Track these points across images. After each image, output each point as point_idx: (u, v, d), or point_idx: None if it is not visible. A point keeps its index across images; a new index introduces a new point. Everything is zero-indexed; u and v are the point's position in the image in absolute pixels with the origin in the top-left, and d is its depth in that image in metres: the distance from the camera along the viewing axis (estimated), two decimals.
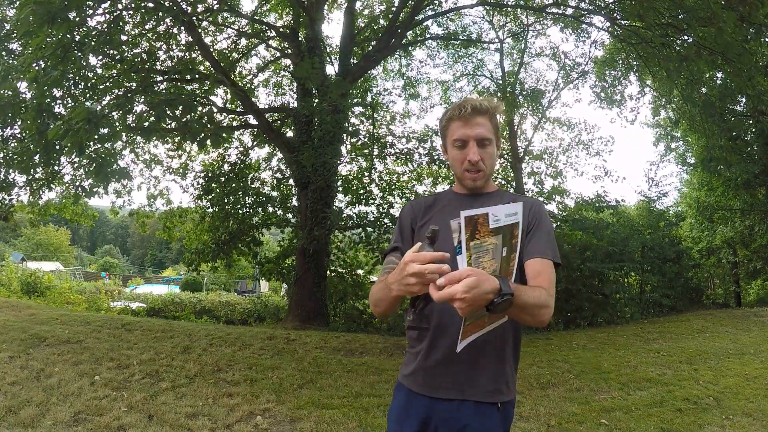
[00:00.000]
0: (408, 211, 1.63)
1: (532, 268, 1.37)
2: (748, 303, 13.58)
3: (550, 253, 1.39)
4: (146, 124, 5.37)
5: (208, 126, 5.11)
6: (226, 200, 10.60)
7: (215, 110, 9.31)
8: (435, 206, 1.57)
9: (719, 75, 9.58)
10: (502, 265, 1.18)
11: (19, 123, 5.55)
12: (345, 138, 9.62)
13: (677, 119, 12.64)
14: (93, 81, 6.01)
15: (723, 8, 5.99)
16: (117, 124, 5.20)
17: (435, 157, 9.63)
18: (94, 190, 5.52)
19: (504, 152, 16.84)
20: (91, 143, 4.72)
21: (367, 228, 9.42)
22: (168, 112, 4.99)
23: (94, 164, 4.56)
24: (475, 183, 1.50)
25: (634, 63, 11.21)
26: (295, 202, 11.05)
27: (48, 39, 4.49)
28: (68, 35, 4.67)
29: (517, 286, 1.20)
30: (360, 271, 11.17)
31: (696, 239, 14.50)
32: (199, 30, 8.50)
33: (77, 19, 4.77)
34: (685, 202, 16.02)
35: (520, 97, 13.56)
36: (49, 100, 5.14)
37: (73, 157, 5.87)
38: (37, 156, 5.47)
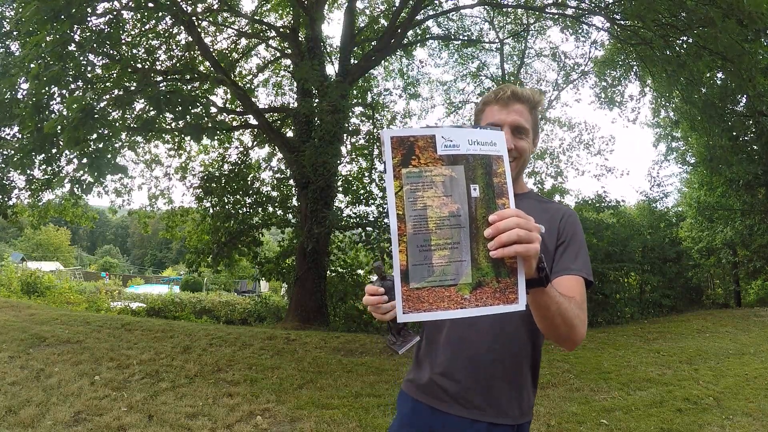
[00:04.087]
0: None
1: (562, 285, 1.21)
2: (748, 303, 13.57)
3: (584, 270, 1.24)
4: (145, 117, 5.37)
5: (205, 120, 5.11)
6: (226, 200, 10.61)
7: (215, 109, 9.32)
8: None
9: (719, 75, 9.58)
10: (478, 211, 0.89)
11: (18, 121, 5.54)
12: (345, 138, 9.62)
13: (677, 119, 12.64)
14: (93, 80, 6.01)
15: (723, 13, 6.00)
16: (116, 123, 5.20)
17: None
18: (91, 185, 5.51)
19: None
20: (91, 142, 4.72)
21: (367, 228, 9.41)
22: (166, 107, 4.99)
23: (88, 159, 4.55)
24: None
25: (634, 64, 11.22)
26: (295, 202, 11.04)
27: (48, 37, 4.49)
28: (69, 32, 4.68)
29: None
30: (360, 271, 11.16)
31: (696, 239, 14.49)
32: (199, 30, 8.51)
33: (78, 16, 4.77)
34: (685, 202, 16.01)
35: None
36: (47, 97, 5.14)
37: (70, 153, 5.87)
38: (36, 155, 5.46)
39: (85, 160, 4.73)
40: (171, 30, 8.50)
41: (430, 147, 0.87)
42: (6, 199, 7.91)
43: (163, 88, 7.01)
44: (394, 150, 0.87)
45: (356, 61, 10.13)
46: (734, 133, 11.91)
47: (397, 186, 0.87)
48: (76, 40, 5.21)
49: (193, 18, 7.46)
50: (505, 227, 0.86)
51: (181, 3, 6.62)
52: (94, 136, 4.69)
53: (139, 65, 7.32)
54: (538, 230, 0.89)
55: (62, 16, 4.47)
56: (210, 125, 5.04)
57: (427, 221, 0.87)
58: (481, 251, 0.87)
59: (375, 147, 10.21)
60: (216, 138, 10.45)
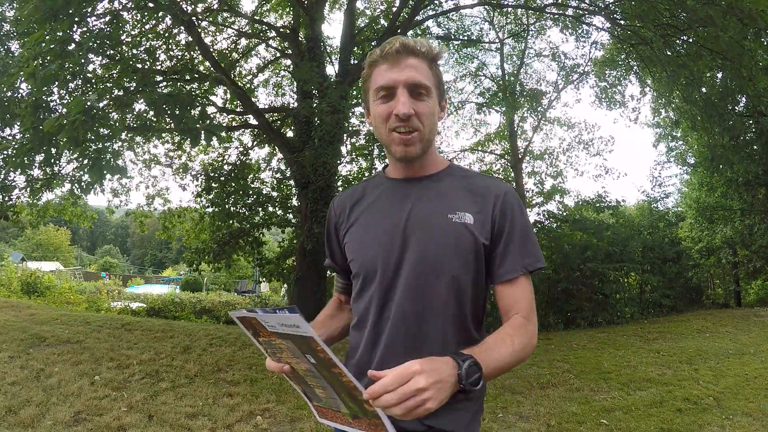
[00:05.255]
0: (331, 213, 1.26)
1: (505, 296, 1.06)
2: (748, 303, 13.57)
3: (528, 263, 1.06)
4: (145, 118, 5.38)
5: (201, 122, 5.12)
6: (226, 200, 10.61)
7: (214, 110, 9.33)
8: (362, 202, 1.18)
9: (719, 75, 9.58)
10: (323, 373, 0.90)
11: (18, 120, 5.55)
12: (345, 138, 9.61)
13: (677, 119, 12.65)
14: (93, 80, 6.02)
15: (724, 13, 6.01)
16: (116, 124, 5.20)
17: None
18: (90, 186, 5.52)
19: (505, 152, 16.85)
20: (91, 143, 4.72)
21: None
22: (166, 109, 4.99)
23: (89, 160, 4.56)
24: (408, 150, 1.05)
25: (634, 64, 11.22)
26: (295, 202, 11.05)
27: (47, 36, 4.50)
28: (68, 32, 4.68)
29: (480, 350, 0.93)
30: None
31: (696, 239, 14.50)
32: (199, 30, 8.50)
33: (77, 19, 4.77)
34: (685, 203, 16.03)
35: (521, 99, 13.57)
36: (46, 96, 5.15)
37: (70, 154, 5.88)
38: (36, 155, 5.47)
39: (85, 161, 4.73)
40: (171, 30, 8.49)
41: (261, 326, 0.90)
42: (6, 199, 7.90)
43: (163, 88, 7.03)
44: (245, 326, 0.94)
45: (356, 61, 10.13)
46: (734, 133, 11.91)
47: (264, 350, 0.98)
48: (76, 39, 5.21)
49: (193, 18, 7.46)
50: (387, 404, 0.79)
51: (181, 3, 6.62)
52: (93, 136, 4.69)
53: (139, 65, 7.32)
54: (428, 387, 0.79)
55: (61, 16, 4.47)
56: (207, 128, 5.04)
57: (296, 371, 0.96)
58: (343, 396, 0.90)
59: (375, 147, 10.21)
60: (216, 138, 10.43)
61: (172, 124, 5.82)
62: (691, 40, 7.66)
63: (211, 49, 9.22)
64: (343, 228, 1.20)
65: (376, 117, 1.08)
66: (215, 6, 8.44)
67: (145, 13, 7.07)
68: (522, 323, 1.02)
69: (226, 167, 11.40)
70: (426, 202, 1.09)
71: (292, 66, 10.94)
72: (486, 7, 12.34)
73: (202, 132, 4.84)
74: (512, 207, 1.08)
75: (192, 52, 8.97)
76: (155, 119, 5.57)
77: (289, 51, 10.59)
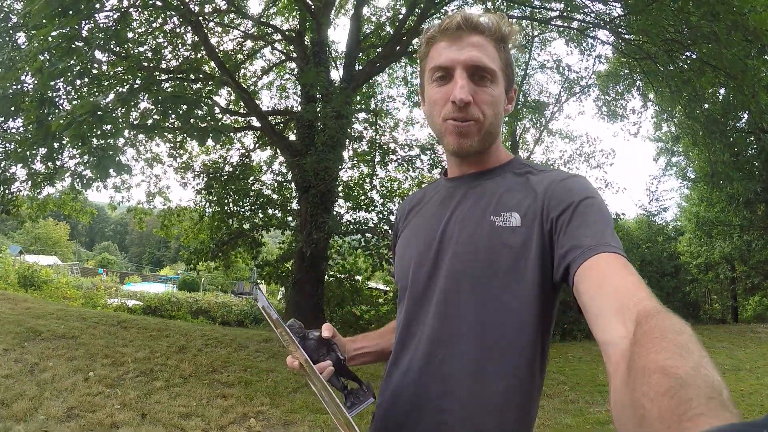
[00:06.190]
0: (396, 212, 1.16)
1: (613, 290, 0.69)
2: (745, 319, 13.58)
3: (613, 244, 0.73)
4: (150, 121, 5.41)
5: (210, 123, 5.14)
6: (226, 200, 10.63)
7: (217, 110, 9.35)
8: (418, 206, 1.05)
9: (722, 91, 9.64)
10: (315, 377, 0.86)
11: (22, 114, 5.57)
12: (348, 143, 9.63)
13: (679, 134, 12.70)
14: (98, 77, 6.04)
15: (728, 29, 6.07)
16: (120, 121, 5.22)
17: (437, 161, 9.50)
18: (92, 181, 5.53)
19: None
20: (94, 139, 4.74)
21: (367, 234, 9.42)
22: (172, 109, 5.02)
23: (95, 157, 4.58)
24: (462, 142, 0.89)
25: (637, 78, 11.29)
26: (295, 206, 11.06)
27: (54, 32, 4.53)
28: (76, 27, 4.71)
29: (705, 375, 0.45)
30: (358, 277, 11.16)
31: (694, 254, 14.52)
32: (206, 30, 8.56)
33: (86, 12, 4.80)
34: (684, 217, 16.07)
35: (524, 109, 13.62)
36: (51, 91, 5.17)
37: (74, 150, 5.90)
38: (39, 150, 5.48)
39: (87, 158, 4.75)
40: (177, 30, 8.55)
41: (269, 316, 0.89)
42: (7, 192, 7.90)
43: (168, 87, 7.06)
44: (266, 314, 0.91)
45: (361, 67, 10.18)
46: (735, 149, 11.98)
47: (282, 341, 0.93)
48: (84, 35, 5.24)
49: (201, 18, 7.50)
50: None
51: (188, 3, 6.66)
52: (98, 132, 4.71)
53: (145, 64, 7.36)
54: None
55: (70, 12, 4.50)
56: (214, 127, 5.06)
57: (305, 368, 0.89)
58: (333, 407, 0.85)
59: (377, 153, 10.24)
60: (221, 141, 10.49)
61: (177, 124, 5.85)
62: (694, 56, 7.72)
63: (217, 50, 9.27)
64: (401, 230, 1.08)
65: (429, 103, 0.92)
66: (223, 7, 8.49)
67: (153, 12, 7.11)
68: (680, 325, 0.55)
69: (227, 168, 11.44)
70: (469, 203, 0.92)
71: (296, 69, 11.00)
72: None
73: (210, 132, 4.86)
74: (570, 191, 0.82)
75: (198, 52, 9.02)
76: (160, 118, 5.59)
77: (294, 54, 10.65)
